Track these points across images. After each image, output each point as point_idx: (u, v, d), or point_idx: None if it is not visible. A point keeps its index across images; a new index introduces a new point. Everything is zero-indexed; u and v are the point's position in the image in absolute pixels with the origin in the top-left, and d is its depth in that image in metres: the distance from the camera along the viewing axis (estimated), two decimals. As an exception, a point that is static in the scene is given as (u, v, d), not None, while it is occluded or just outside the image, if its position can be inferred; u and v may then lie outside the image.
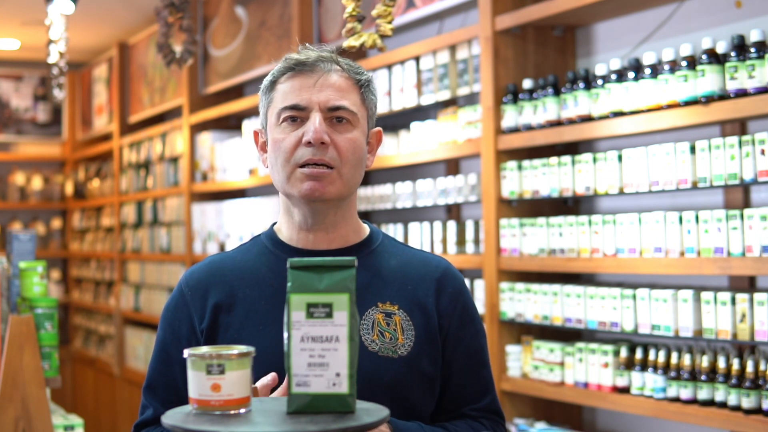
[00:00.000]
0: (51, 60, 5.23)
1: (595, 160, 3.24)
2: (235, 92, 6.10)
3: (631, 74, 3.10)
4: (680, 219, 2.95)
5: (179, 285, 1.85)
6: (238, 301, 1.79)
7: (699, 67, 2.85)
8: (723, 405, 2.85)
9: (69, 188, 8.75)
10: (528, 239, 3.48)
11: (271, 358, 1.67)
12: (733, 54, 2.77)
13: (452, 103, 3.99)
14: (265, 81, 1.84)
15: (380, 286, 1.80)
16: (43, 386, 2.72)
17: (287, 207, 1.84)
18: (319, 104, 1.76)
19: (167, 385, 1.79)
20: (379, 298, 1.78)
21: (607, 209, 3.56)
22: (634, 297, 3.11)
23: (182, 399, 1.64)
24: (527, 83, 3.49)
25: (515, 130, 3.53)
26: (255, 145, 1.90)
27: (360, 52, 4.25)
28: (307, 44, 1.86)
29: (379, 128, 1.88)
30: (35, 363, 2.69)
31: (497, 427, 1.85)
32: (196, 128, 6.16)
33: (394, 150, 4.19)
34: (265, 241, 1.86)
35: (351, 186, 1.79)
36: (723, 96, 2.82)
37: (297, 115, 1.77)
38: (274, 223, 1.90)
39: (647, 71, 3.04)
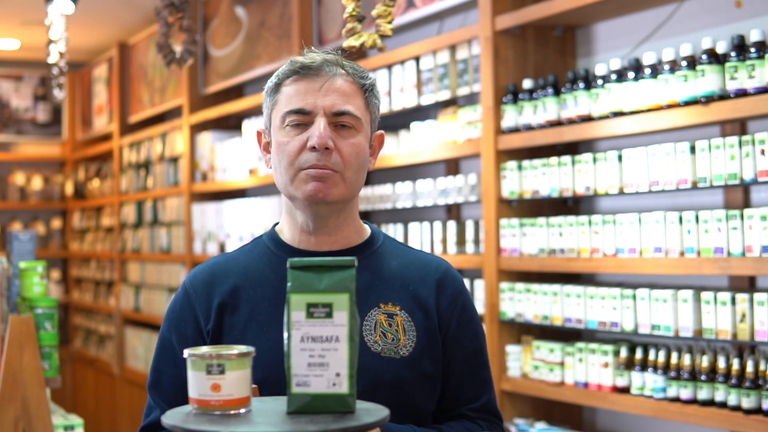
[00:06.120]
0: (51, 60, 5.23)
1: (595, 160, 3.24)
2: (235, 92, 6.10)
3: (631, 74, 3.10)
4: (680, 219, 2.95)
5: (183, 286, 1.85)
6: (242, 302, 1.79)
7: (699, 67, 2.85)
8: (723, 405, 2.84)
9: (69, 188, 8.75)
10: (528, 239, 3.48)
11: (274, 359, 1.67)
12: (733, 54, 2.77)
13: (452, 103, 3.99)
14: (270, 82, 1.84)
15: (382, 287, 1.80)
16: (43, 386, 2.72)
17: (290, 209, 1.84)
18: (324, 109, 1.76)
19: (174, 385, 1.79)
20: (381, 299, 1.79)
21: (607, 209, 3.56)
22: (634, 297, 3.11)
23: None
24: (527, 83, 3.49)
25: (515, 130, 3.53)
26: (258, 145, 1.90)
27: (360, 52, 4.25)
28: (312, 47, 1.86)
29: (381, 131, 1.89)
30: (35, 363, 2.69)
31: (494, 428, 1.86)
32: (196, 128, 6.15)
33: (394, 150, 4.19)
34: (267, 242, 1.87)
35: (354, 189, 1.80)
36: (723, 96, 2.81)
37: (301, 119, 1.77)
38: (276, 224, 1.90)
39: (647, 71, 3.04)
